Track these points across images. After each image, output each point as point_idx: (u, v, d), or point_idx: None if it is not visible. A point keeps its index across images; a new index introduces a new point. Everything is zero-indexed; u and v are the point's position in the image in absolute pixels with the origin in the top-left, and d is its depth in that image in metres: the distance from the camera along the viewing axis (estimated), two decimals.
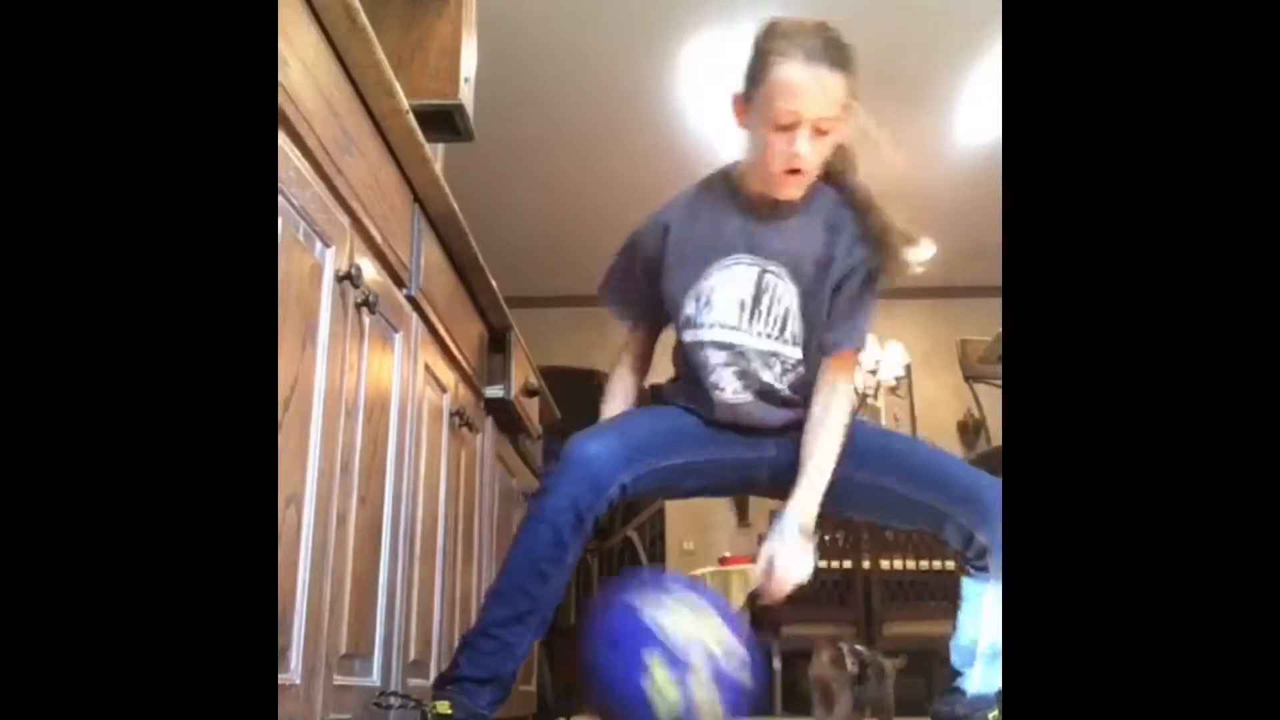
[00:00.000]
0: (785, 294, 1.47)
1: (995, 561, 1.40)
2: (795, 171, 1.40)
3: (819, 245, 1.48)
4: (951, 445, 5.96)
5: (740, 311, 1.48)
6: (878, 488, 1.48)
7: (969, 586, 1.45)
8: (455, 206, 1.62)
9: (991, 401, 3.67)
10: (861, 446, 1.50)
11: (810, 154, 1.38)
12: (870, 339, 5.38)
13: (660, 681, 1.17)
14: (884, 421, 6.05)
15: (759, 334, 1.48)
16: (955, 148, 4.74)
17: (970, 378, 3.73)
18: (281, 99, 0.98)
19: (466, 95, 2.13)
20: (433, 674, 1.51)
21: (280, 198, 1.01)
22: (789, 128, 1.36)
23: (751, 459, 1.50)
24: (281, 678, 1.00)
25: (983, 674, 1.42)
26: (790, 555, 1.37)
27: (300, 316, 1.08)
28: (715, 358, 1.49)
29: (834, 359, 1.51)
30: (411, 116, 1.37)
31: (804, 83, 1.34)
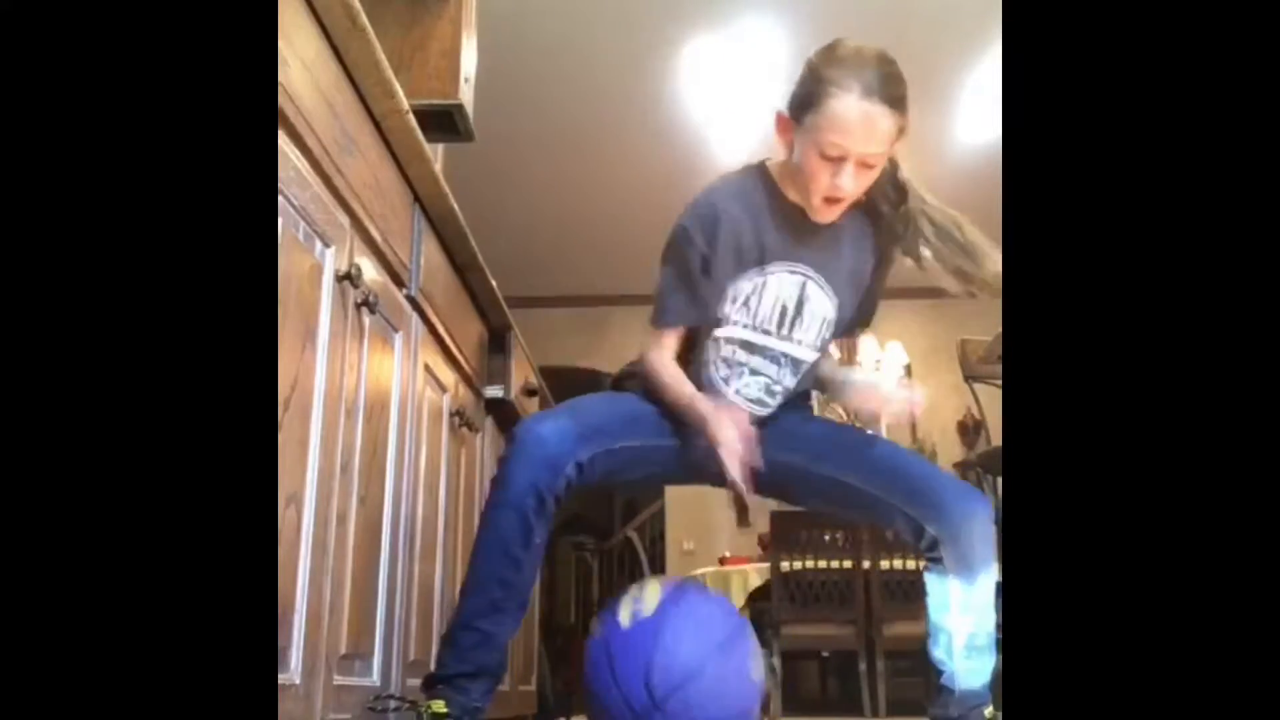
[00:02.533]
0: (823, 306, 1.52)
1: (950, 554, 1.40)
2: (835, 201, 1.41)
3: (847, 255, 1.53)
4: (951, 445, 5.96)
5: (782, 318, 1.51)
6: (834, 481, 1.49)
7: (931, 581, 1.45)
8: (455, 206, 1.62)
9: (991, 401, 3.66)
10: (820, 441, 1.54)
11: (853, 186, 1.39)
12: (870, 339, 5.38)
13: None
14: (884, 421, 6.05)
15: (798, 341, 1.53)
16: (955, 147, 4.74)
17: (970, 378, 3.72)
18: (281, 99, 0.98)
19: (466, 95, 2.13)
20: None
21: (280, 198, 1.01)
22: (836, 160, 1.37)
23: (706, 448, 1.48)
24: (281, 678, 1.00)
25: (965, 667, 1.42)
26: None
27: (300, 316, 1.08)
28: (740, 356, 1.52)
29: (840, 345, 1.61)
30: (411, 116, 1.37)
31: (858, 120, 1.34)
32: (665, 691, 1.23)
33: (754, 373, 1.52)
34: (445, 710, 1.26)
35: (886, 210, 1.51)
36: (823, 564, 3.53)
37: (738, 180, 1.53)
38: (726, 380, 1.52)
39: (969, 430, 5.89)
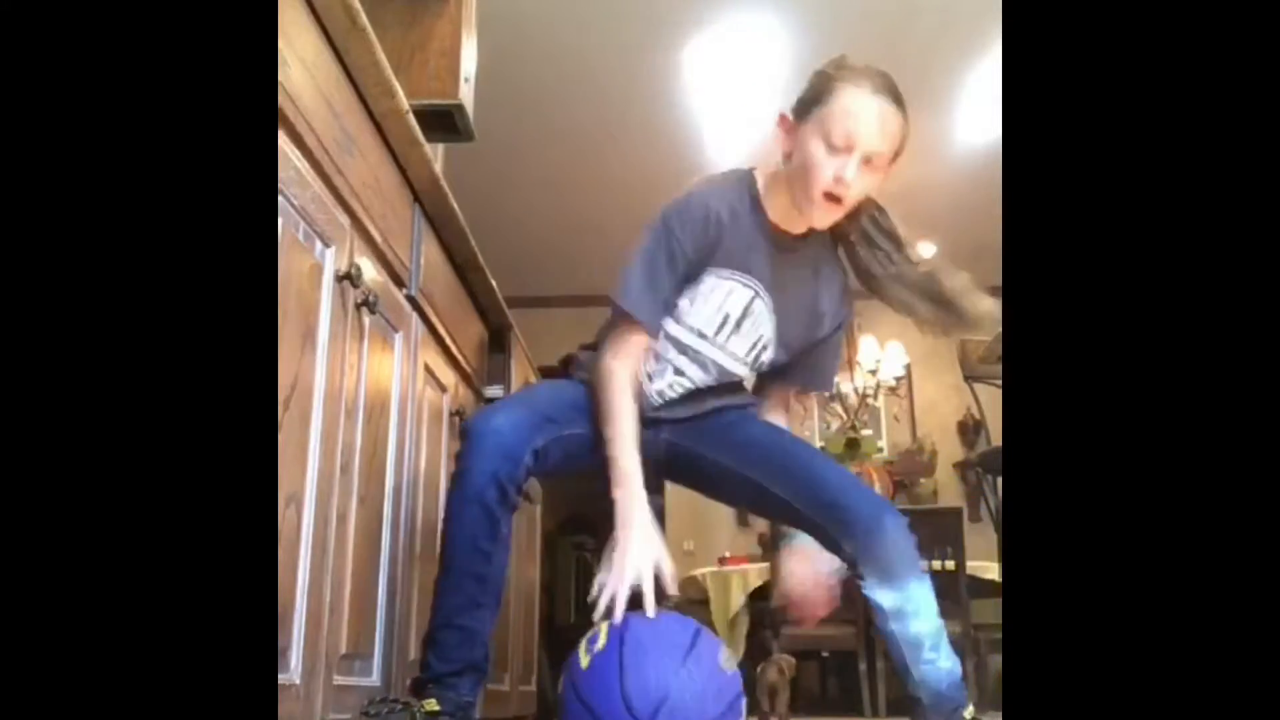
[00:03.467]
0: (764, 323, 1.50)
1: (869, 568, 1.40)
2: (834, 200, 1.39)
3: (808, 291, 1.52)
4: (951, 445, 5.96)
5: (721, 326, 1.50)
6: (760, 488, 1.50)
7: (866, 594, 1.46)
8: (455, 206, 1.62)
9: (991, 401, 3.66)
10: (753, 446, 1.54)
11: (854, 183, 1.37)
12: (870, 339, 5.38)
13: None
14: (884, 421, 6.06)
15: (731, 352, 1.51)
16: (955, 148, 4.74)
17: (970, 378, 3.72)
18: (281, 99, 0.98)
19: (466, 95, 2.13)
20: None
21: (280, 198, 1.01)
22: (843, 149, 1.36)
23: (646, 438, 1.48)
24: (281, 678, 1.00)
25: (922, 673, 1.42)
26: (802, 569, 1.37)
27: (300, 316, 1.08)
28: (670, 354, 1.51)
29: (795, 399, 1.57)
30: (411, 116, 1.37)
31: (869, 110, 1.36)
32: (649, 712, 1.23)
33: (678, 373, 1.52)
34: (438, 709, 1.26)
35: (863, 252, 1.49)
36: None
37: (726, 185, 1.50)
38: (650, 376, 1.52)
39: (969, 430, 5.89)
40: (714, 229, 1.45)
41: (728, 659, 1.31)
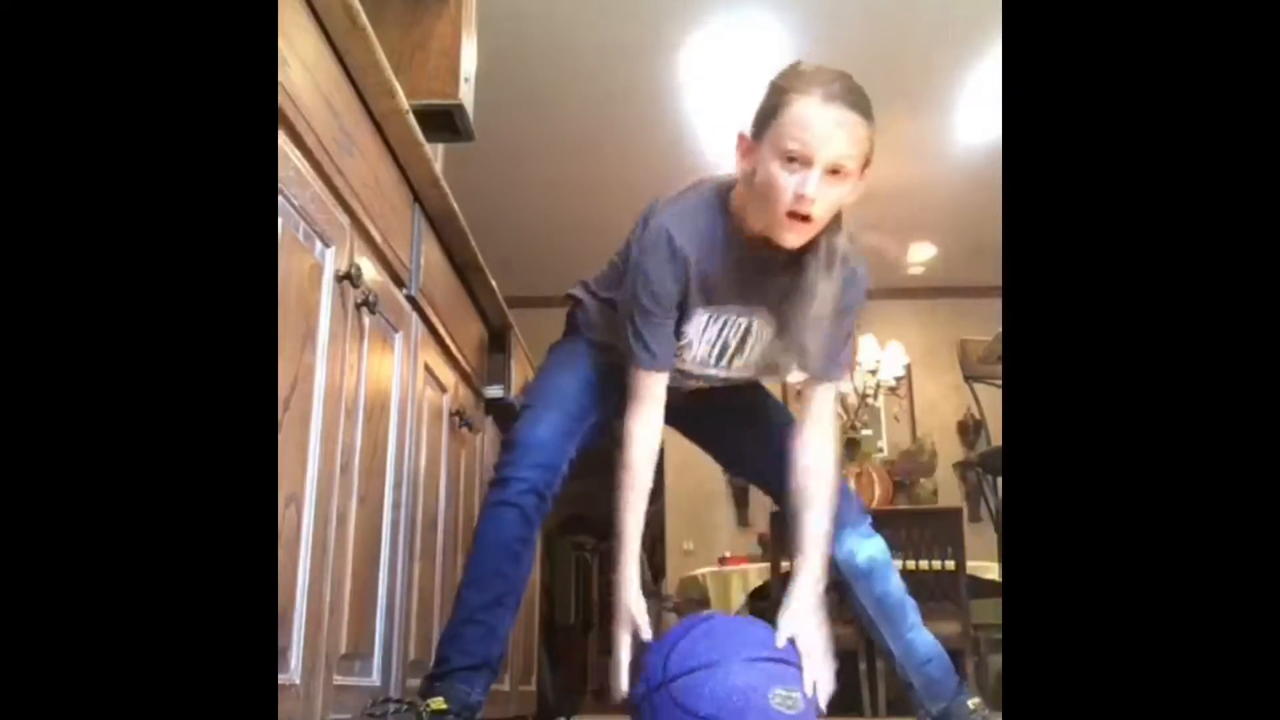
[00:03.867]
0: (765, 334, 1.49)
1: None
2: (801, 217, 1.30)
3: (813, 295, 1.41)
4: (951, 445, 5.96)
5: (721, 355, 1.50)
6: (739, 450, 1.65)
7: (840, 565, 1.49)
8: (455, 206, 1.62)
9: (991, 401, 3.66)
10: (756, 422, 1.63)
11: (819, 198, 1.29)
12: (870, 339, 5.38)
13: None
14: (884, 421, 6.06)
15: (737, 371, 1.53)
16: (955, 148, 4.73)
17: (970, 378, 3.72)
18: (281, 99, 0.98)
19: (466, 95, 2.13)
20: None
21: (280, 198, 1.01)
22: (800, 163, 1.28)
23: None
24: (281, 678, 1.00)
25: (909, 642, 1.48)
26: (814, 643, 1.32)
27: (300, 316, 1.08)
28: (687, 382, 1.55)
29: (820, 388, 1.48)
30: (411, 116, 1.37)
31: (820, 119, 1.27)
32: (675, 672, 1.23)
33: (685, 377, 1.54)
34: (445, 707, 1.27)
35: (813, 265, 1.39)
36: None
37: (693, 207, 1.43)
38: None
39: (969, 430, 5.89)
40: (681, 268, 1.38)
41: (783, 703, 1.26)
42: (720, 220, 1.41)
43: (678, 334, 1.44)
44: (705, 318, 1.44)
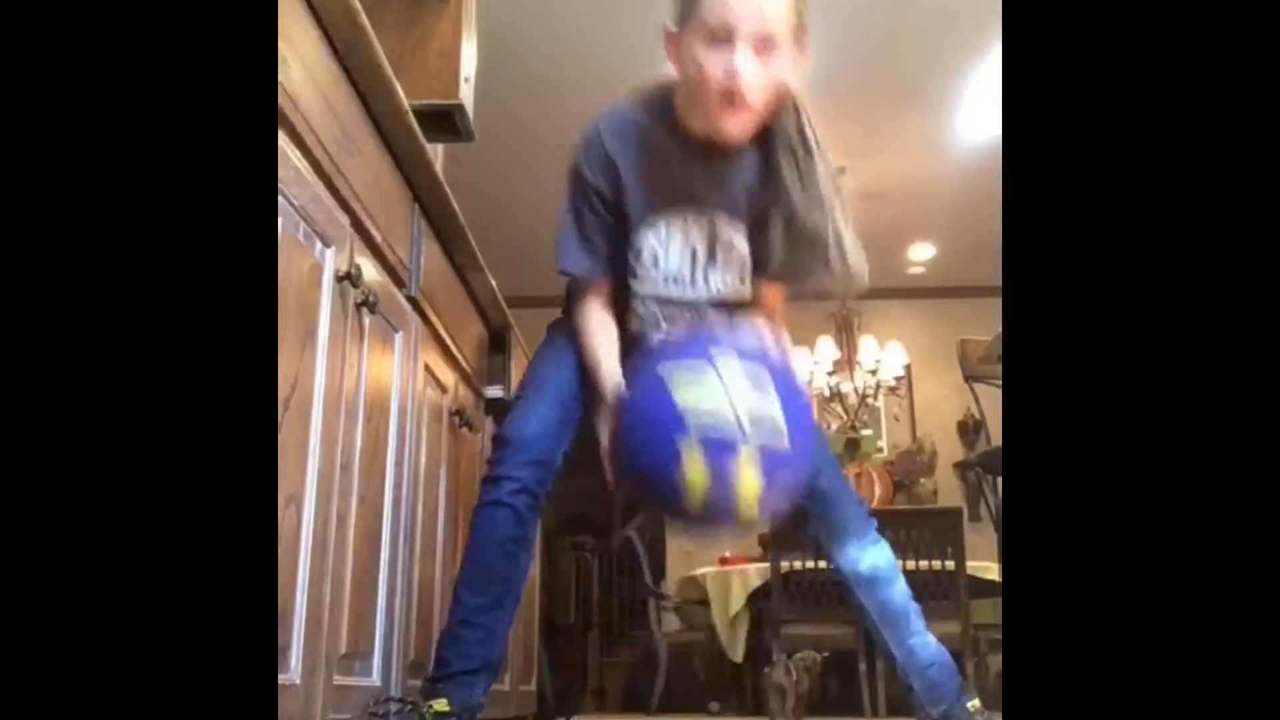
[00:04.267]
0: (737, 238, 1.41)
1: (827, 537, 1.46)
2: (735, 102, 1.24)
3: (753, 179, 1.38)
4: (952, 445, 5.96)
5: (694, 265, 1.42)
6: None
7: (839, 571, 1.48)
8: (455, 206, 1.62)
9: (991, 401, 3.66)
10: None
11: (751, 76, 1.22)
12: (870, 339, 5.38)
13: (691, 470, 1.10)
14: (884, 421, 6.06)
15: (715, 287, 1.44)
16: (955, 148, 4.73)
17: (970, 378, 3.72)
18: (281, 99, 0.98)
19: (466, 95, 2.13)
20: None
21: (280, 198, 1.01)
22: (723, 40, 1.21)
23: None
24: (281, 678, 1.00)
25: (911, 648, 1.44)
26: None
27: (300, 316, 1.08)
28: (656, 312, 1.45)
29: (777, 299, 1.46)
30: (411, 116, 1.37)
31: None
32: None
33: (672, 321, 1.46)
34: (448, 709, 1.26)
35: (781, 159, 1.34)
36: (823, 564, 3.52)
37: (635, 117, 1.40)
38: (650, 337, 1.47)
39: (969, 430, 5.89)
40: (624, 162, 1.37)
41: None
42: (661, 122, 1.38)
43: (631, 247, 1.41)
44: (662, 226, 1.40)
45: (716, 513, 1.14)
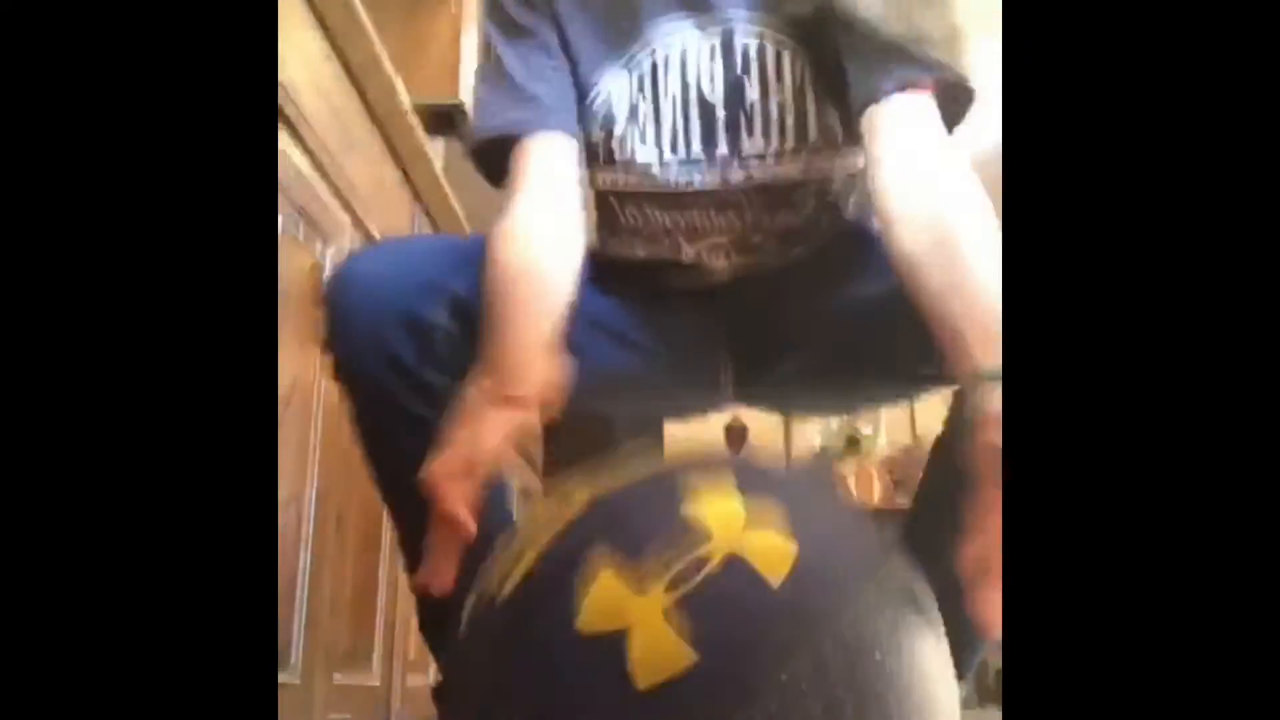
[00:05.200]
0: (780, 66, 0.80)
1: None
2: None
3: None
4: None
5: (708, 123, 0.81)
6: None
7: None
8: (455, 206, 1.62)
9: None
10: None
11: None
12: None
13: None
14: (883, 421, 6.06)
15: (751, 157, 0.81)
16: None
17: None
18: (281, 99, 0.98)
19: (467, 94, 2.13)
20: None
21: (280, 197, 1.01)
22: None
23: None
24: (281, 678, 1.00)
25: None
26: None
27: (300, 316, 1.08)
28: (653, 218, 0.85)
29: (885, 107, 0.81)
30: (412, 115, 1.37)
31: None
32: None
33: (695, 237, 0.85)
34: None
35: None
36: None
37: None
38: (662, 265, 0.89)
39: None
40: None
41: None
42: None
43: (599, 95, 0.83)
44: (643, 57, 0.82)
45: None
